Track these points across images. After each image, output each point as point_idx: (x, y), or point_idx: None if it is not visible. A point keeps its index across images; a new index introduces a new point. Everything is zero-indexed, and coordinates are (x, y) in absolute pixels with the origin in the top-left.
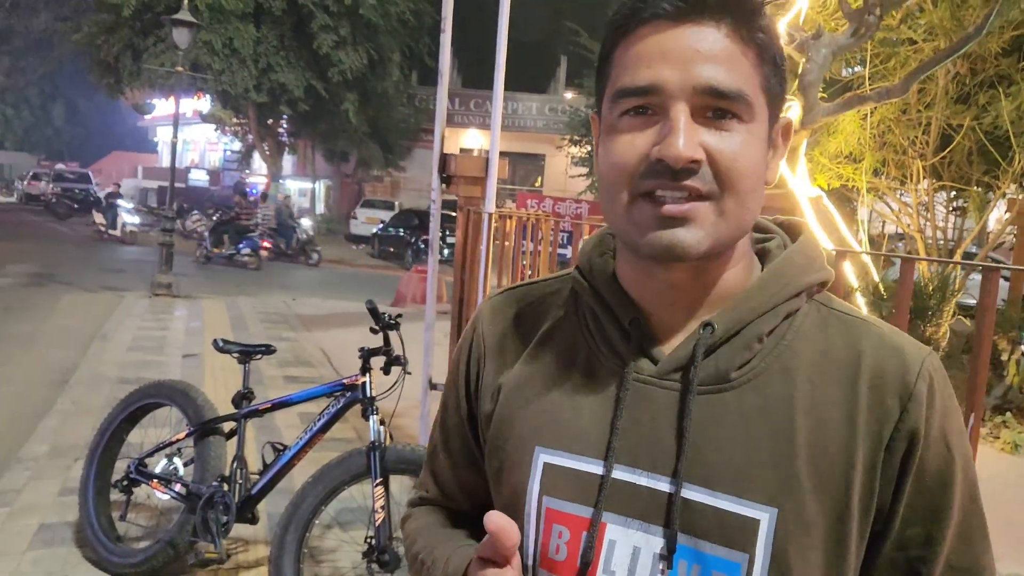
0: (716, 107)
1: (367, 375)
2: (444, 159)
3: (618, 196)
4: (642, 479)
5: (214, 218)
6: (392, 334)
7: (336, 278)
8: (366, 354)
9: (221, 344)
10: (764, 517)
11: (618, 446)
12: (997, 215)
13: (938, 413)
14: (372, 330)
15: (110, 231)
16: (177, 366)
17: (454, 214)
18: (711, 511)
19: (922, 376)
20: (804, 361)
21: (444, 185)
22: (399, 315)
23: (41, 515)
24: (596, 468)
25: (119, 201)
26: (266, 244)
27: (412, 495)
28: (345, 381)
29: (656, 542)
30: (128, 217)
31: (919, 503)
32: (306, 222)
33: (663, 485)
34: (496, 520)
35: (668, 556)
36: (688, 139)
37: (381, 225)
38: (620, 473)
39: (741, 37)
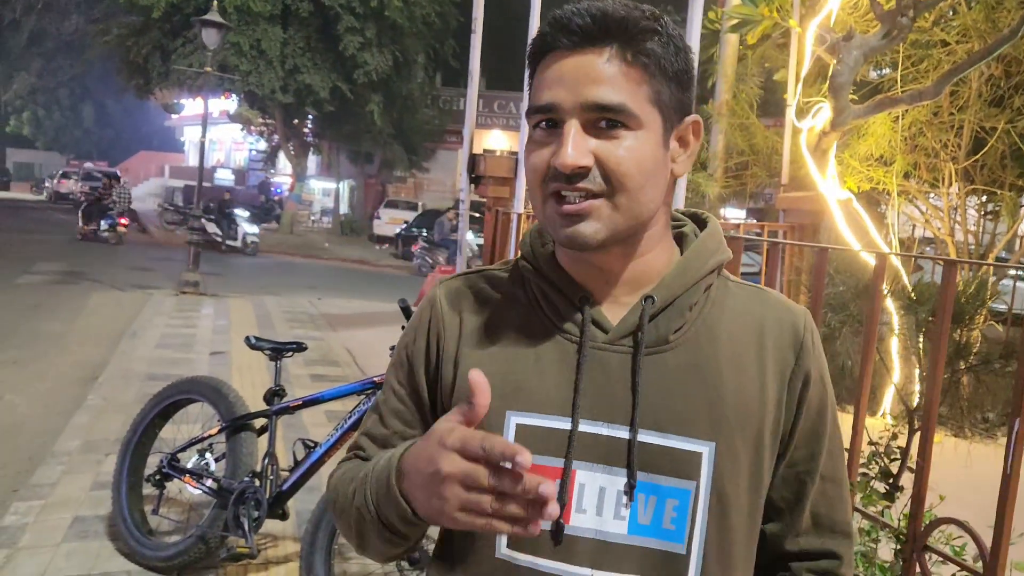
0: (604, 119)
1: None
2: (473, 160)
3: (535, 196)
4: (603, 429)
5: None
6: None
7: (360, 278)
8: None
9: (253, 341)
10: (705, 450)
11: (581, 404)
12: None
13: (818, 358)
14: (403, 328)
15: (228, 242)
16: (204, 363)
17: (477, 215)
18: (662, 449)
19: (807, 329)
20: (723, 324)
21: (473, 185)
22: None
23: (75, 508)
24: (564, 424)
25: (236, 210)
26: (123, 221)
27: (342, 459)
28: (375, 379)
29: (619, 481)
30: (248, 227)
31: (806, 428)
32: (242, 213)
33: (621, 432)
34: (477, 376)
35: (629, 491)
36: (576, 148)
37: (404, 225)
38: (584, 427)
39: (625, 59)
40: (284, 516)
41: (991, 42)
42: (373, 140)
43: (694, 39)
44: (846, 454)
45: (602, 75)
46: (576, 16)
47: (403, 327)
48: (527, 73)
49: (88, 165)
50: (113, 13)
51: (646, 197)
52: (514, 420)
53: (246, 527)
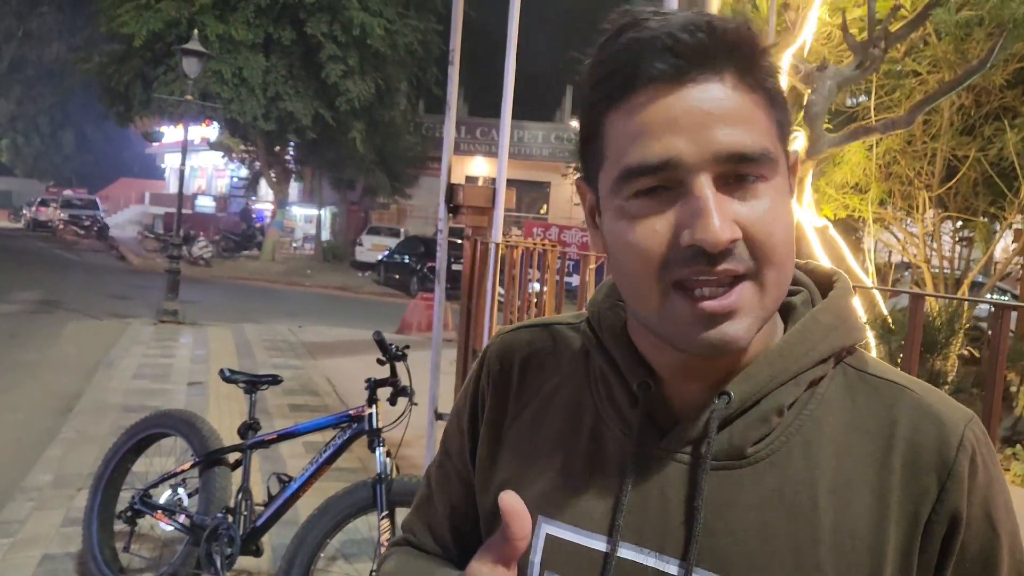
0: (740, 172)
1: (373, 406)
2: (451, 189)
3: (646, 289)
4: (649, 559)
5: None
6: (399, 365)
7: (342, 305)
8: (372, 385)
9: (228, 374)
10: None
11: (624, 523)
12: (1003, 245)
13: (981, 489)
14: (379, 361)
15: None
16: (182, 394)
17: (459, 241)
18: None
19: (963, 448)
20: (829, 434)
21: (451, 215)
22: (406, 346)
23: (44, 546)
24: (600, 545)
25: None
26: None
27: (395, 539)
28: (351, 412)
29: None
30: (199, 246)
31: None
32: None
33: (671, 568)
34: (511, 501)
35: None
36: (722, 218)
37: (387, 252)
38: (626, 552)
39: (749, 86)
40: (258, 552)
41: (961, 72)
42: (355, 167)
43: None
44: None
45: (732, 112)
46: (682, 31)
47: (379, 360)
48: (587, 118)
49: (67, 192)
50: (94, 41)
51: (791, 266)
52: (546, 529)
53: (218, 564)
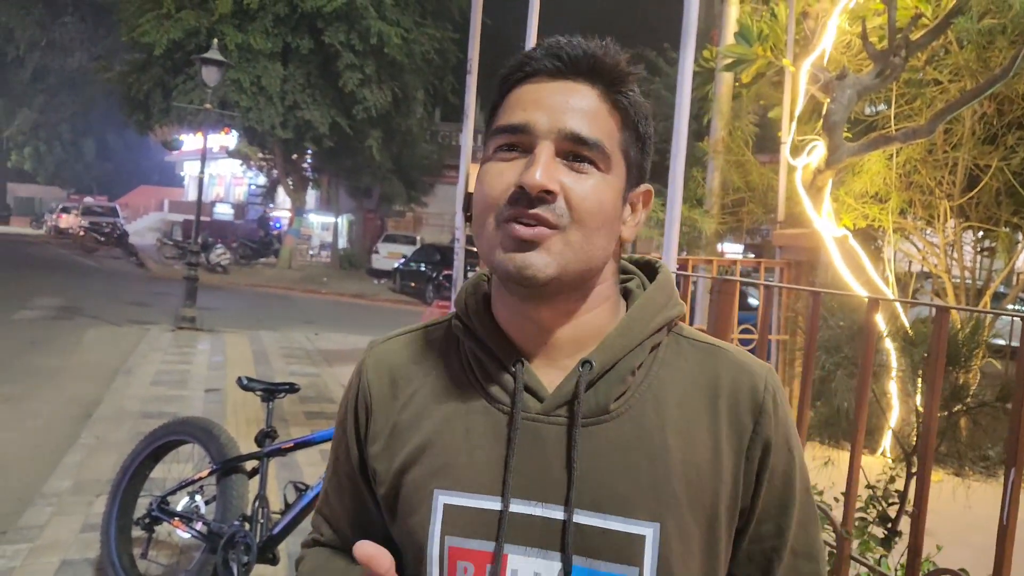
0: (576, 152)
1: None
2: (469, 198)
3: (485, 222)
4: (537, 510)
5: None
6: None
7: (358, 313)
8: None
9: (245, 382)
10: (648, 532)
11: (512, 482)
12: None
13: (781, 422)
14: None
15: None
16: (200, 401)
17: (476, 249)
18: (602, 532)
19: (767, 391)
20: (671, 388)
21: (468, 223)
22: None
23: (63, 552)
24: (494, 504)
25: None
26: None
27: (306, 537)
28: None
29: (555, 566)
30: (216, 253)
31: (770, 501)
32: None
33: (556, 513)
34: (365, 549)
35: None
36: (546, 172)
37: (403, 260)
38: (516, 507)
39: (608, 100)
40: (275, 560)
41: (983, 81)
42: (372, 175)
43: (686, 77)
44: (823, 524)
45: (585, 108)
46: (570, 47)
47: None
48: (493, 101)
49: (88, 200)
50: (115, 50)
51: (600, 241)
52: (442, 500)
53: (235, 572)
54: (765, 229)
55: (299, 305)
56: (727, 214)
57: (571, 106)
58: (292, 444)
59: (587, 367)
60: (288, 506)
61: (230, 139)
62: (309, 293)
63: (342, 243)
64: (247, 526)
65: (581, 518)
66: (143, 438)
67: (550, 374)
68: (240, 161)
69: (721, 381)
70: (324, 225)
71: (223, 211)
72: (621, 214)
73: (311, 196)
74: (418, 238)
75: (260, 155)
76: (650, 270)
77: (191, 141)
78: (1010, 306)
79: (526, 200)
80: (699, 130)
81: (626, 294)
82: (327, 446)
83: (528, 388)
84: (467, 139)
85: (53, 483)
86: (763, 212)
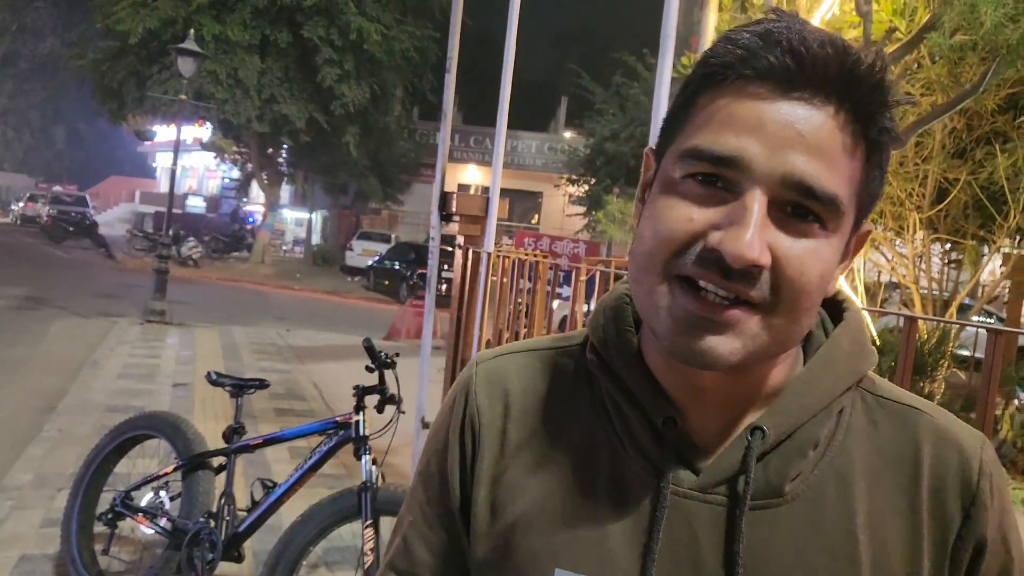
0: (799, 204)
1: (361, 414)
2: (444, 197)
3: (652, 268)
4: None
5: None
6: (388, 373)
7: (330, 310)
8: (360, 392)
9: (214, 377)
10: None
11: (654, 574)
12: (991, 268)
13: (998, 513)
14: (368, 368)
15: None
16: (167, 396)
17: (451, 249)
18: None
19: (983, 474)
20: (859, 465)
21: (444, 223)
22: (396, 354)
23: (22, 547)
24: None
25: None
26: None
27: None
28: (338, 419)
29: None
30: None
31: None
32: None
33: None
34: None
35: None
36: (758, 238)
37: (377, 258)
38: None
39: (856, 131)
40: (240, 558)
41: (954, 96)
42: (348, 172)
43: (664, 82)
44: None
45: (825, 145)
46: (814, 41)
47: (367, 367)
48: (684, 87)
49: (57, 188)
50: (89, 37)
51: (807, 321)
52: None
53: (199, 570)
54: None
55: (271, 301)
56: None
57: (804, 140)
58: (261, 440)
59: (758, 435)
60: (255, 503)
61: (204, 131)
62: (282, 289)
63: (316, 239)
64: (212, 523)
65: None
66: (108, 432)
67: (708, 438)
68: (214, 154)
69: (922, 456)
70: (298, 221)
71: (196, 204)
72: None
73: (286, 191)
74: (393, 236)
75: (235, 148)
76: (834, 308)
77: (165, 132)
78: (975, 317)
79: (720, 268)
80: None
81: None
82: (296, 443)
83: (681, 455)
84: (444, 137)
85: (14, 476)
86: None
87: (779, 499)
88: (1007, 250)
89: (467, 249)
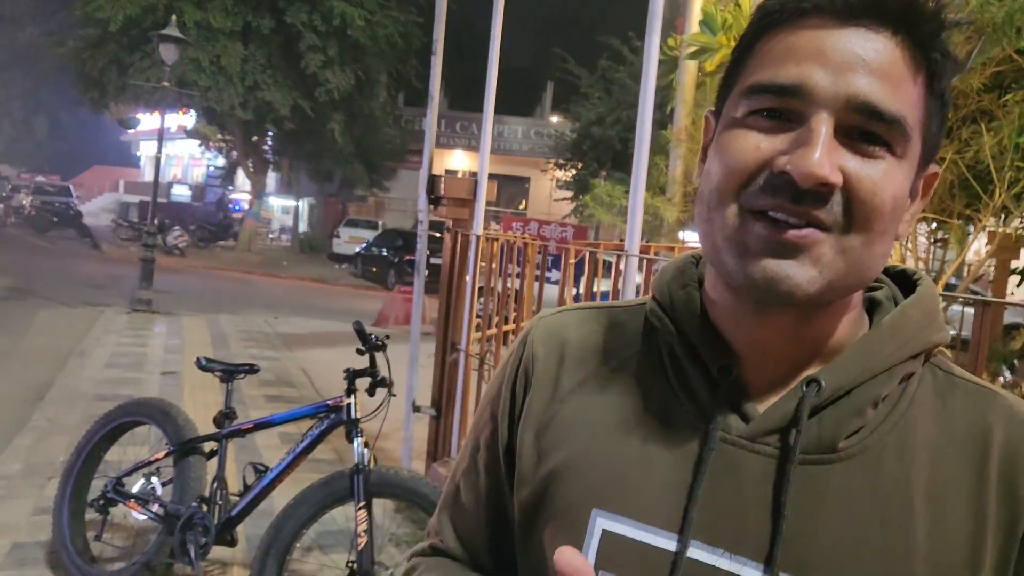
0: (865, 129)
1: (352, 397)
2: (432, 180)
3: (722, 203)
4: (722, 561)
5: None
6: (379, 356)
7: (319, 297)
8: (351, 375)
9: (204, 363)
10: None
11: (696, 518)
12: (977, 248)
13: None
14: (359, 351)
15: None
16: (156, 384)
17: (439, 235)
18: None
19: None
20: (922, 436)
21: (432, 207)
22: (387, 336)
23: (14, 535)
24: (668, 543)
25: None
26: None
27: (417, 547)
28: (329, 402)
29: None
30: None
31: None
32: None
33: (748, 571)
34: (569, 558)
35: None
36: (827, 157)
37: (364, 245)
38: (696, 551)
39: (916, 56)
40: (233, 542)
41: None
42: (334, 159)
43: (652, 64)
44: None
45: (886, 67)
46: None
47: (358, 350)
48: (741, 39)
49: (39, 179)
50: (69, 25)
51: (881, 248)
52: (601, 524)
53: (193, 554)
54: None
55: (258, 289)
56: (689, 202)
57: (866, 63)
58: (251, 425)
59: (813, 387)
60: (247, 487)
61: (188, 119)
62: (269, 277)
63: (302, 227)
64: (205, 508)
65: None
66: (98, 419)
67: (764, 389)
68: (199, 142)
69: (993, 437)
70: (284, 208)
71: (180, 193)
72: (906, 207)
73: (271, 179)
74: (380, 223)
75: (220, 136)
76: (906, 282)
77: (148, 121)
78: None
79: (790, 191)
80: (662, 119)
81: (872, 306)
82: (287, 428)
83: (732, 402)
84: (432, 121)
85: (3, 466)
86: None
87: (832, 455)
88: (992, 228)
89: (456, 232)
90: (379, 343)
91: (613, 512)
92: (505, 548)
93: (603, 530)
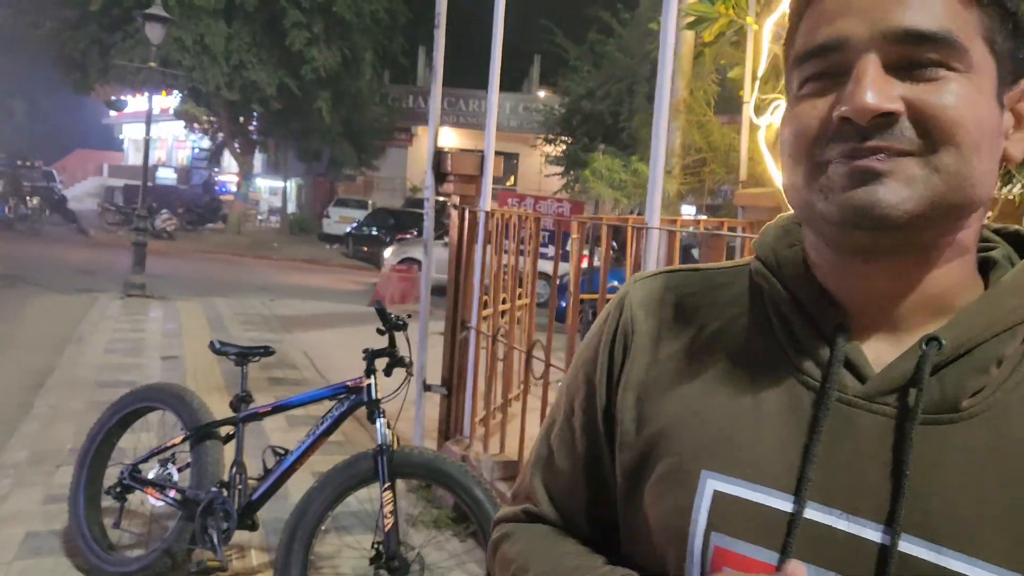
0: (915, 58)
1: (371, 377)
2: (439, 156)
3: (797, 168)
4: (841, 522)
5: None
6: (398, 336)
7: (311, 278)
8: (371, 355)
9: (218, 346)
10: None
11: (812, 479)
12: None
13: None
14: (379, 331)
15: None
16: (156, 369)
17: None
18: (933, 570)
19: None
20: None
21: (439, 183)
22: (408, 315)
23: (27, 524)
24: (783, 504)
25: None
26: None
27: (505, 511)
28: (349, 383)
29: None
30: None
31: None
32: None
33: (868, 532)
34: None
35: None
36: (877, 88)
37: (355, 224)
38: (813, 512)
39: None
40: (254, 527)
41: None
42: (322, 138)
43: (669, 30)
44: None
45: None
46: None
47: (378, 330)
48: (791, 15)
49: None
50: (45, 6)
51: (983, 164)
52: (712, 485)
53: (215, 539)
54: (727, 189)
55: (251, 271)
56: (689, 174)
57: None
58: (269, 408)
59: (934, 345)
60: (267, 471)
61: (172, 100)
62: (260, 259)
63: (291, 208)
64: (225, 492)
65: (906, 546)
66: (110, 406)
67: (878, 348)
68: (184, 123)
69: None
70: (272, 190)
71: (166, 176)
72: (1001, 126)
73: (258, 160)
74: (370, 202)
75: (206, 117)
76: (1021, 244)
77: (132, 103)
78: None
79: (856, 133)
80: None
81: (984, 266)
82: (295, 411)
83: (849, 362)
84: (436, 96)
85: (10, 454)
86: (725, 172)
87: (954, 414)
88: (996, 195)
89: (463, 209)
90: (400, 323)
91: (724, 473)
92: (601, 511)
93: (715, 491)
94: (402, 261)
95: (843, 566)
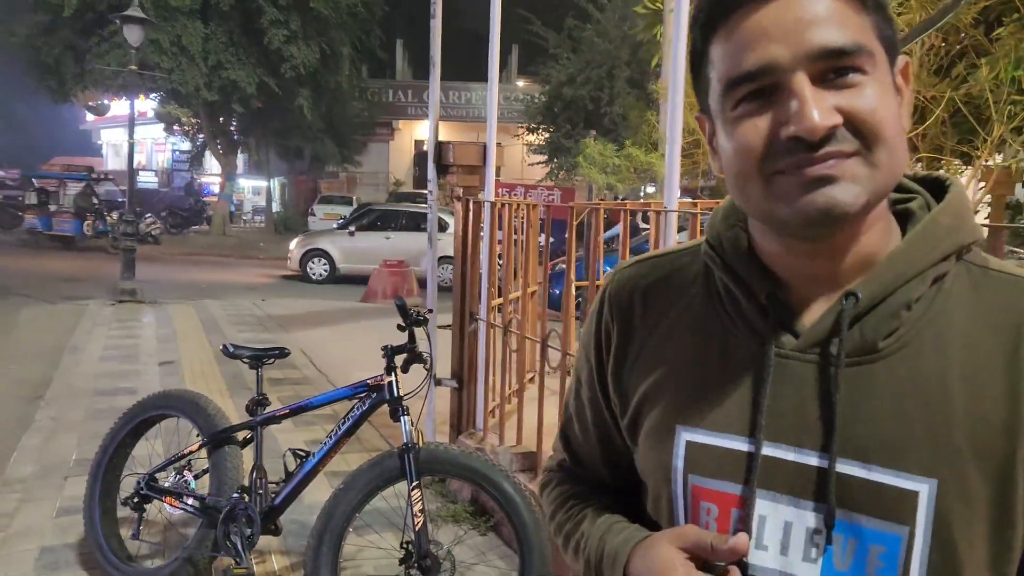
0: (835, 67)
1: (393, 374)
2: (440, 147)
3: (750, 182)
4: (790, 454)
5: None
6: (418, 331)
7: (300, 277)
8: (390, 352)
9: (232, 349)
10: (923, 488)
11: (764, 423)
12: (970, 188)
13: None
14: (399, 327)
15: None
16: (155, 375)
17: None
18: (866, 484)
19: None
20: (958, 326)
21: (441, 176)
22: (429, 310)
23: (39, 538)
24: (742, 445)
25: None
26: None
27: (549, 461)
28: (369, 382)
29: (807, 516)
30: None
31: None
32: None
33: (812, 459)
34: (742, 546)
35: (822, 531)
36: (819, 107)
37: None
38: (767, 449)
39: None
40: (277, 531)
41: (935, 12)
42: (303, 135)
43: (683, 5)
44: None
45: (821, 14)
46: None
47: (399, 326)
48: (692, 48)
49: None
50: (16, 11)
51: (901, 152)
52: (684, 436)
53: (239, 546)
54: None
55: (238, 272)
56: (683, 157)
57: (806, 20)
58: (287, 411)
59: (851, 300)
60: (289, 474)
61: (151, 103)
62: (247, 260)
63: (276, 207)
64: (247, 498)
65: (842, 467)
66: (122, 415)
67: (811, 307)
68: (163, 126)
69: None
70: (255, 189)
71: (147, 179)
72: (900, 105)
73: (240, 160)
74: (354, 198)
75: (188, 118)
76: (934, 188)
77: (114, 106)
78: None
79: (805, 147)
80: (631, 76)
81: (905, 216)
82: (310, 415)
83: (784, 323)
84: (434, 88)
85: (15, 468)
86: None
87: (874, 355)
88: (990, 163)
89: (467, 200)
90: (420, 318)
91: (694, 426)
92: (615, 464)
93: (687, 441)
94: (307, 252)
95: (792, 489)
